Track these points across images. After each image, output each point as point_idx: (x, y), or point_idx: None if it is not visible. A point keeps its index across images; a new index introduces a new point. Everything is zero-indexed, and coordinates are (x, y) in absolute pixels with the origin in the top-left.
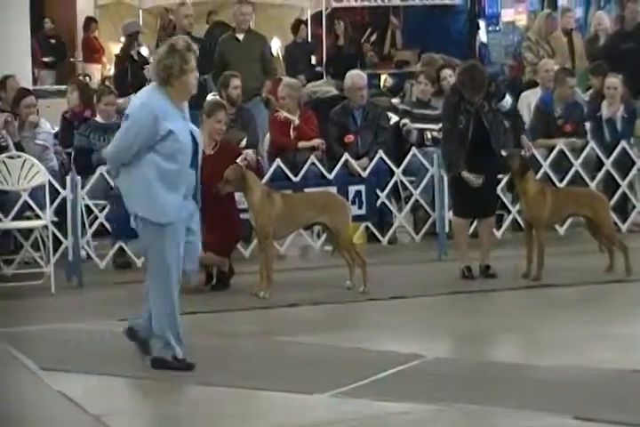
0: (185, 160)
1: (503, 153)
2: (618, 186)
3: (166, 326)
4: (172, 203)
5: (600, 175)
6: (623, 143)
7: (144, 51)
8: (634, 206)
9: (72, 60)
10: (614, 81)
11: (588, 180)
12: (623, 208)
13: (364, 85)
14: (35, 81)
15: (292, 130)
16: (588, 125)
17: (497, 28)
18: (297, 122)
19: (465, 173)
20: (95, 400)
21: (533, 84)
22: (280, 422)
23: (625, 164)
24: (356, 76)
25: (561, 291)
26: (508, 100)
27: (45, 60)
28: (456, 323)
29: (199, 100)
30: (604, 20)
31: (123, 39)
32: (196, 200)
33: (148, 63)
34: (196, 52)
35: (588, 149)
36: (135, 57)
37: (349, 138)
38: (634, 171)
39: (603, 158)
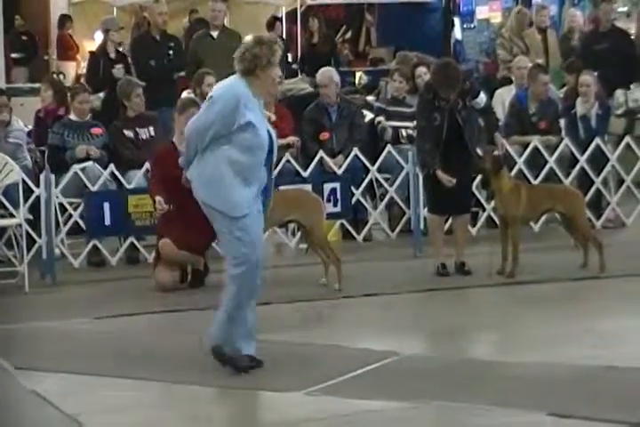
0: (261, 156)
1: (478, 150)
2: (592, 182)
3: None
4: (245, 197)
5: (574, 172)
6: (597, 140)
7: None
8: (608, 203)
9: (46, 57)
10: (588, 78)
11: (562, 176)
12: (597, 205)
13: (336, 83)
14: (8, 79)
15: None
16: (562, 122)
17: (471, 26)
18: (273, 118)
19: (439, 173)
20: (70, 399)
21: (508, 82)
22: (254, 421)
23: (599, 160)
24: (327, 72)
25: (536, 287)
26: (482, 97)
27: (14, 56)
28: (431, 320)
29: (172, 97)
30: (578, 18)
31: (100, 35)
32: (266, 197)
33: (125, 61)
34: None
35: (562, 145)
36: (112, 55)
37: (324, 135)
38: (608, 167)
39: (577, 155)
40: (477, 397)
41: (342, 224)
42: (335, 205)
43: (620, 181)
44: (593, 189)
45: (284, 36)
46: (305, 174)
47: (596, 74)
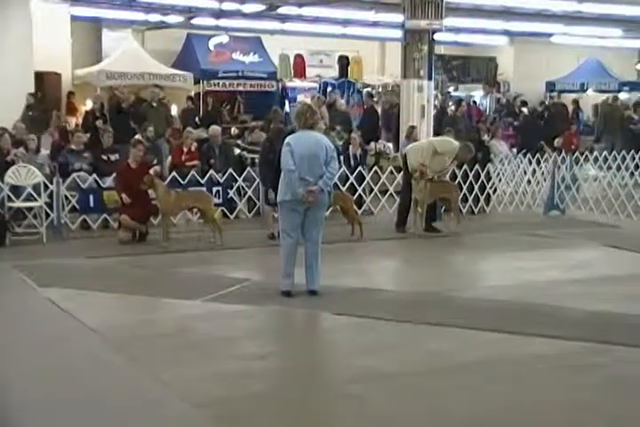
0: None
1: None
2: (357, 190)
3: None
4: None
5: (347, 184)
6: (360, 168)
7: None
8: (365, 201)
9: (58, 114)
10: (355, 135)
11: (341, 187)
12: (360, 202)
13: (219, 133)
14: None
15: (184, 155)
16: (342, 158)
17: (294, 104)
18: (193, 149)
19: (270, 191)
20: (71, 302)
21: None
22: (174, 314)
23: (361, 178)
24: (215, 129)
25: (328, 245)
26: None
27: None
28: (268, 262)
29: (129, 138)
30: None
31: (90, 103)
32: None
33: (104, 117)
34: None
35: (340, 170)
36: (96, 113)
37: (212, 162)
38: (364, 182)
39: (349, 175)
40: (294, 302)
41: (223, 210)
42: (219, 199)
43: (371, 190)
44: (357, 194)
45: (194, 106)
46: (202, 182)
47: (359, 133)
